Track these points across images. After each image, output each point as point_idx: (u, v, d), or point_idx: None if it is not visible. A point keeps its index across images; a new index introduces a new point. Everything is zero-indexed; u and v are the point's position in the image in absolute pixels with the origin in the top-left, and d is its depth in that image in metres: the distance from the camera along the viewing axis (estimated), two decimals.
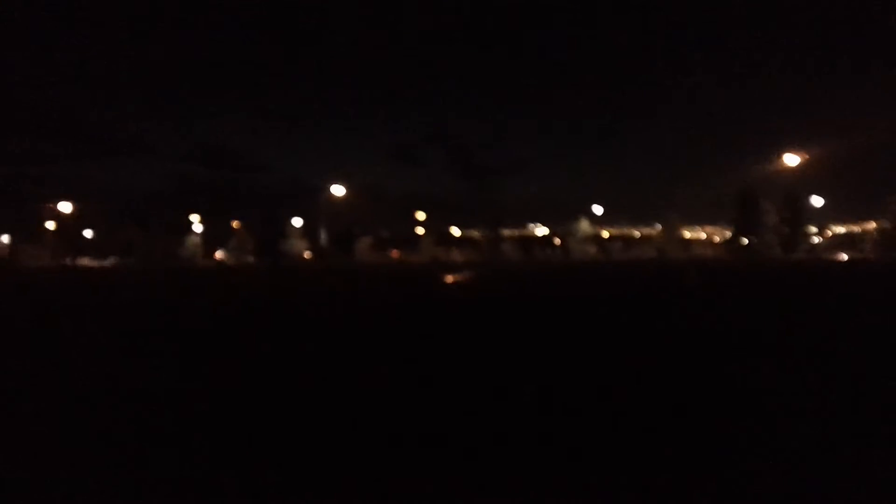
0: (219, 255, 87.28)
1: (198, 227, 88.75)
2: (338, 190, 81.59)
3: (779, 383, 5.08)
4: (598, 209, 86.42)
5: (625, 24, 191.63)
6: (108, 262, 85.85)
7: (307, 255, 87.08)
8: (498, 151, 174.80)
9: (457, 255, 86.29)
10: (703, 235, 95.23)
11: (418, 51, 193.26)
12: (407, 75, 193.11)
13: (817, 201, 77.17)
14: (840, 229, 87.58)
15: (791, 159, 68.58)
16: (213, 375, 5.69)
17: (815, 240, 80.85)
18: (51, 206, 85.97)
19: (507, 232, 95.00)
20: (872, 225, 79.29)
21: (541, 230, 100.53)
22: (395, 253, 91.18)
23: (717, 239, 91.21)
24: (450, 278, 22.94)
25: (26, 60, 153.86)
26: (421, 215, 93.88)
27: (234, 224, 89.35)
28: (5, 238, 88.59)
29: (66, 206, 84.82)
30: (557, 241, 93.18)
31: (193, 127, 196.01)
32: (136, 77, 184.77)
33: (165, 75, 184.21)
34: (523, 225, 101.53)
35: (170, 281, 27.07)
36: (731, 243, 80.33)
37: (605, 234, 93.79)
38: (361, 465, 3.31)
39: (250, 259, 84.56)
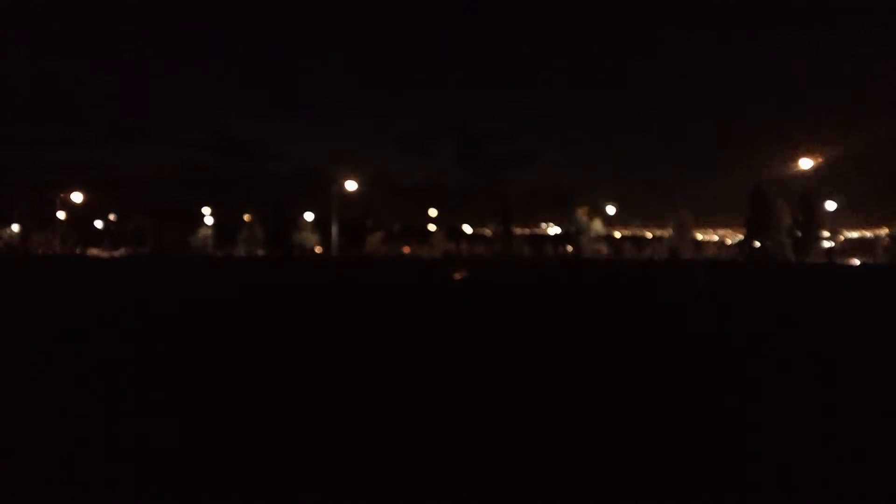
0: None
1: (209, 219, 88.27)
2: (350, 185, 78.25)
3: (783, 389, 5.04)
4: (611, 209, 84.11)
5: (638, 15, 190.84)
6: (119, 251, 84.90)
7: (318, 248, 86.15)
8: (507, 144, 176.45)
9: (468, 251, 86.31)
10: (716, 237, 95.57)
11: (428, 43, 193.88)
12: (416, 66, 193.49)
13: (830, 205, 76.55)
14: (853, 234, 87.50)
15: (805, 162, 68.39)
16: (225, 369, 5.64)
17: (827, 244, 79.90)
18: (61, 194, 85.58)
19: (518, 229, 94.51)
20: (885, 230, 79.29)
21: (553, 229, 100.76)
22: (406, 248, 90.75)
23: (729, 241, 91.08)
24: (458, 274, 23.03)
25: (38, 49, 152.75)
26: (433, 212, 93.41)
27: (246, 216, 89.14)
28: (15, 227, 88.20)
29: (76, 196, 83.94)
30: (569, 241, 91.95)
31: (204, 115, 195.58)
32: (148, 66, 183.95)
33: (177, 64, 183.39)
34: (535, 223, 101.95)
35: (183, 271, 27.18)
36: (744, 246, 79.46)
37: (617, 234, 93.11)
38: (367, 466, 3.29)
39: (261, 251, 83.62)
